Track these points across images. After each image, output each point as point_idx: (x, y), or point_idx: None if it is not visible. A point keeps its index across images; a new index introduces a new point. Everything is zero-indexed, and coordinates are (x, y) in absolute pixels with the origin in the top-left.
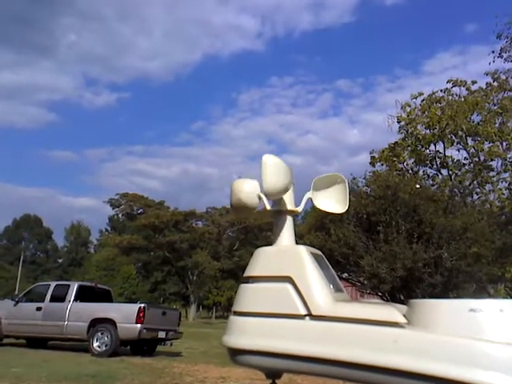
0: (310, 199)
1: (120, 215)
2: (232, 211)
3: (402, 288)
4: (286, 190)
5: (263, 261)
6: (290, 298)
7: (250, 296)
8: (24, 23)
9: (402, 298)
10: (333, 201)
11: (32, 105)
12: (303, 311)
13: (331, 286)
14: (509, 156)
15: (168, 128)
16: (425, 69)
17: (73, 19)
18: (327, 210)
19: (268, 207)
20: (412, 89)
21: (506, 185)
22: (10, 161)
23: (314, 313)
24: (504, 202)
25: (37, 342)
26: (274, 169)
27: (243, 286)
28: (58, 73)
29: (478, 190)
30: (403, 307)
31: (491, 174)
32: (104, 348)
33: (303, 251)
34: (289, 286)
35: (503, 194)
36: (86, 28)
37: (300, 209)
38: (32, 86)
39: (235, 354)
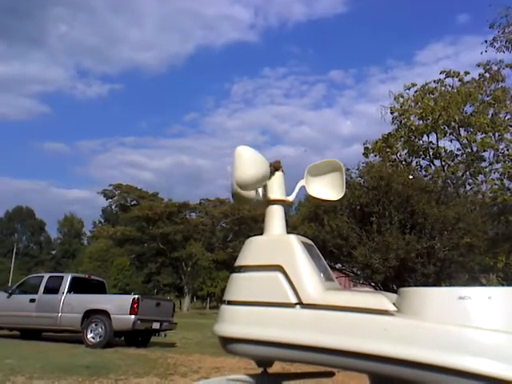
0: (304, 187)
1: (113, 206)
2: (233, 201)
3: (395, 278)
4: (260, 182)
5: (254, 250)
6: (281, 286)
7: (240, 285)
8: (14, 14)
9: (395, 288)
10: (328, 188)
11: (24, 96)
12: (294, 300)
13: (322, 275)
14: (501, 147)
15: (161, 119)
16: (417, 59)
17: (63, 9)
18: (321, 198)
19: (261, 197)
20: (405, 79)
21: (498, 175)
22: (1, 153)
23: (304, 301)
24: (496, 193)
25: (30, 334)
26: (247, 160)
27: (234, 275)
28: (50, 64)
29: (470, 180)
30: (394, 296)
31: (483, 164)
32: (98, 339)
33: (294, 240)
34: (279, 275)
35: (495, 185)
36: (77, 19)
37: (292, 198)
38: (24, 78)
39: (226, 342)
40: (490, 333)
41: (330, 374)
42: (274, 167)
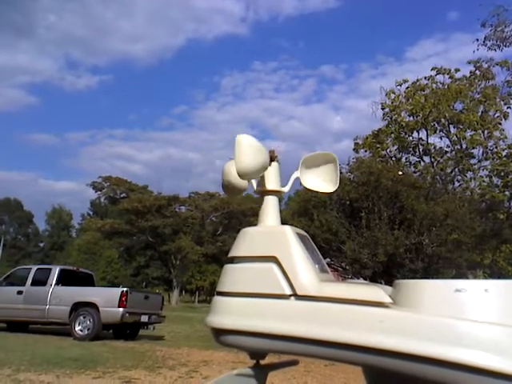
0: (298, 179)
1: (102, 199)
2: (224, 192)
3: (383, 273)
4: (260, 171)
5: (248, 241)
6: (275, 277)
7: (234, 276)
8: (2, 3)
9: (383, 283)
10: (322, 180)
11: (12, 87)
12: (288, 291)
13: (316, 266)
14: (490, 144)
15: (150, 112)
16: (407, 56)
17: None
18: (315, 190)
19: (255, 188)
20: (395, 76)
21: (487, 172)
22: None
23: (299, 293)
24: (484, 190)
25: (18, 326)
26: (248, 148)
27: (227, 266)
28: (39, 55)
29: (459, 177)
30: (389, 288)
31: (472, 161)
32: (86, 332)
33: (289, 231)
34: (274, 266)
35: (484, 182)
36: (66, 9)
37: (287, 189)
38: (12, 68)
39: (219, 334)
40: (485, 325)
41: (295, 363)
42: (271, 156)
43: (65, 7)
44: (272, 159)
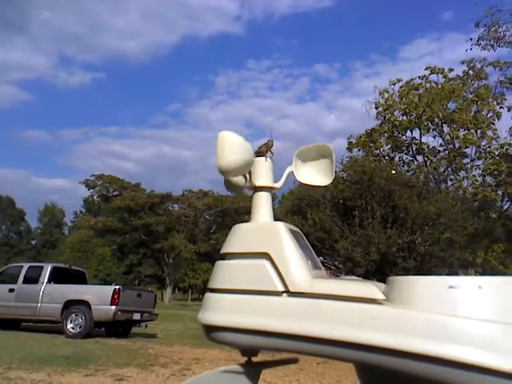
0: (292, 173)
1: (95, 197)
2: (227, 189)
3: (376, 272)
4: (243, 169)
5: (240, 237)
6: (268, 274)
7: (226, 273)
8: None
9: (376, 281)
10: (317, 173)
11: (4, 83)
12: (281, 288)
13: (309, 263)
14: (483, 144)
15: (144, 109)
16: (401, 55)
17: None
18: (310, 184)
19: (247, 184)
20: (388, 75)
21: (480, 172)
22: None
23: (291, 289)
24: (477, 189)
25: (9, 324)
26: (229, 145)
27: (219, 262)
28: (32, 51)
29: (452, 176)
30: (382, 285)
31: (465, 161)
32: (78, 329)
33: (281, 227)
34: (266, 263)
35: (477, 181)
36: (60, 5)
37: (279, 185)
38: (4, 65)
39: (210, 331)
40: (479, 322)
41: (294, 361)
42: (261, 152)
43: (58, 3)
44: (263, 154)
